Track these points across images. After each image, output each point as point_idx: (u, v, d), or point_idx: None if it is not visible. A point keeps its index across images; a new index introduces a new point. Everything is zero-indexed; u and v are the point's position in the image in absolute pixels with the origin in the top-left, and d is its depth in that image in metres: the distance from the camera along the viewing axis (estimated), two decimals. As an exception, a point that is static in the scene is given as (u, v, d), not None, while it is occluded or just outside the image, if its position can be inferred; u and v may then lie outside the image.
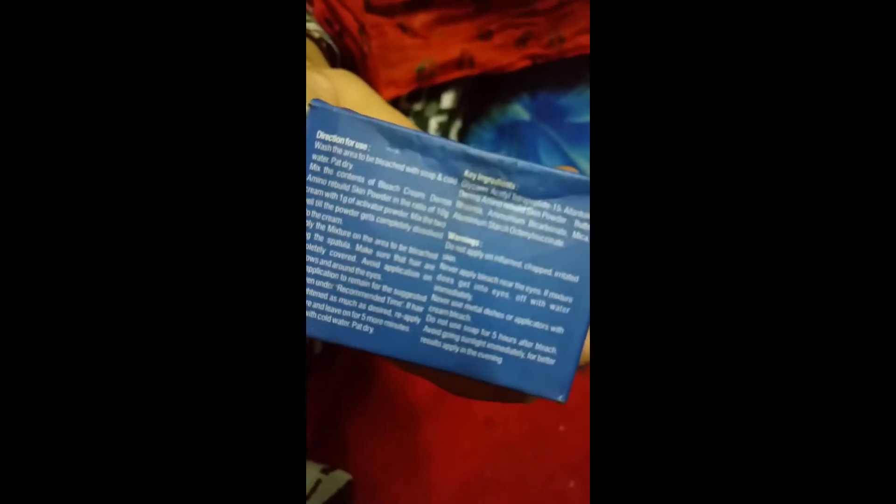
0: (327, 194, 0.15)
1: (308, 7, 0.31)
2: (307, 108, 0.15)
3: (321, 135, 0.15)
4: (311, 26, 0.27)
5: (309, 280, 0.15)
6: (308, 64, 0.25)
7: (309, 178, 0.15)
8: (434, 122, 0.38)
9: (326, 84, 0.22)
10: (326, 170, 0.15)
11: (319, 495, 0.40)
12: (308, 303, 0.15)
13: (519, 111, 0.41)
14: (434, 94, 0.38)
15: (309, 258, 0.15)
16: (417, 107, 0.39)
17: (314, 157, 0.15)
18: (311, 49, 0.26)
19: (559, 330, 0.15)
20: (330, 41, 0.28)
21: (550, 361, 0.15)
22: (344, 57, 0.31)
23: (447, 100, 0.38)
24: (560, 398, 0.15)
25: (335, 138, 0.15)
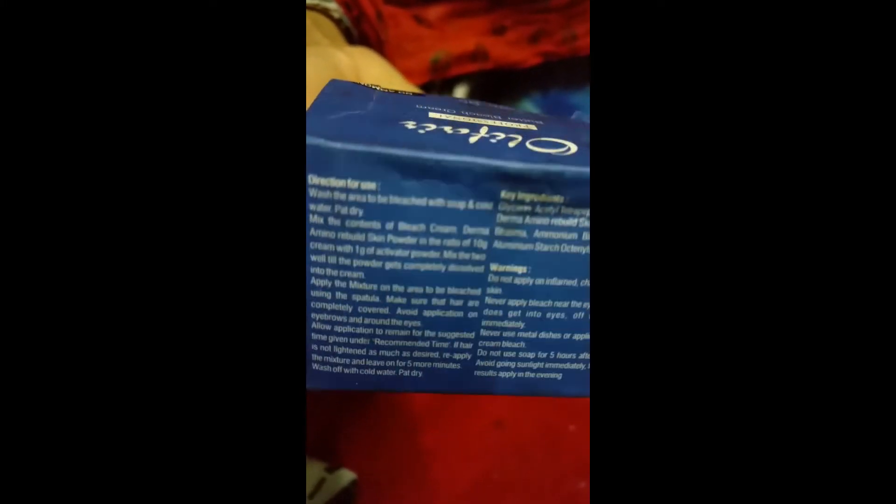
0: (340, 248, 0.12)
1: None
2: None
3: (314, 179, 0.12)
4: (332, 6, 0.27)
5: (341, 339, 0.13)
6: (328, 42, 0.25)
7: (311, 232, 0.12)
8: (448, 116, 0.38)
9: (348, 60, 0.22)
10: (332, 220, 0.12)
11: (323, 494, 0.38)
12: (345, 360, 0.13)
13: (529, 108, 0.42)
14: (446, 87, 0.38)
15: (337, 318, 0.13)
16: (430, 100, 0.39)
17: (311, 206, 0.12)
18: (331, 28, 0.27)
19: (582, 338, 0.14)
20: (349, 24, 0.28)
21: (583, 367, 0.15)
22: (363, 41, 0.32)
23: (459, 93, 0.38)
24: (587, 393, 0.15)
25: (332, 181, 0.12)
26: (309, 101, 0.14)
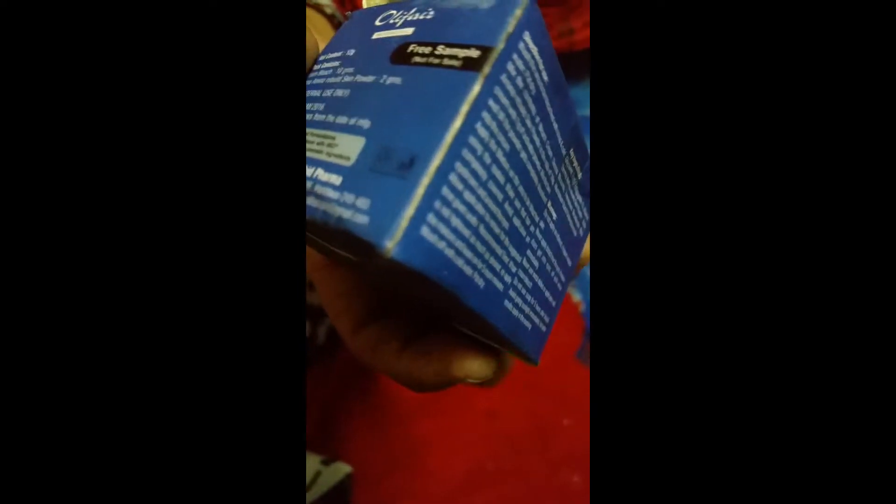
0: (510, 112, 0.12)
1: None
2: None
3: (527, 38, 0.12)
4: (324, 1, 0.27)
5: (461, 208, 0.11)
6: (321, 38, 0.25)
7: (497, 89, 0.11)
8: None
9: None
10: (519, 82, 0.12)
11: (319, 486, 0.39)
12: (448, 239, 0.11)
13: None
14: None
15: (462, 187, 0.11)
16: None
17: (514, 59, 0.11)
18: (324, 24, 0.26)
19: (554, 303, 0.16)
20: (342, 19, 0.28)
21: (544, 329, 0.16)
22: None
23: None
24: (537, 361, 0.16)
25: (535, 53, 0.12)
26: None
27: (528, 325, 0.15)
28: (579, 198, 0.16)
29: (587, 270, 0.42)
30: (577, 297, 0.44)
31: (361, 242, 0.11)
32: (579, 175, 0.15)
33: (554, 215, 0.14)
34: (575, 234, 0.16)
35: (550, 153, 0.13)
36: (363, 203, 0.11)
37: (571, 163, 0.15)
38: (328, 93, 0.14)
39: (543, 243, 0.14)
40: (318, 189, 0.12)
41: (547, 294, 0.15)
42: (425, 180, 0.10)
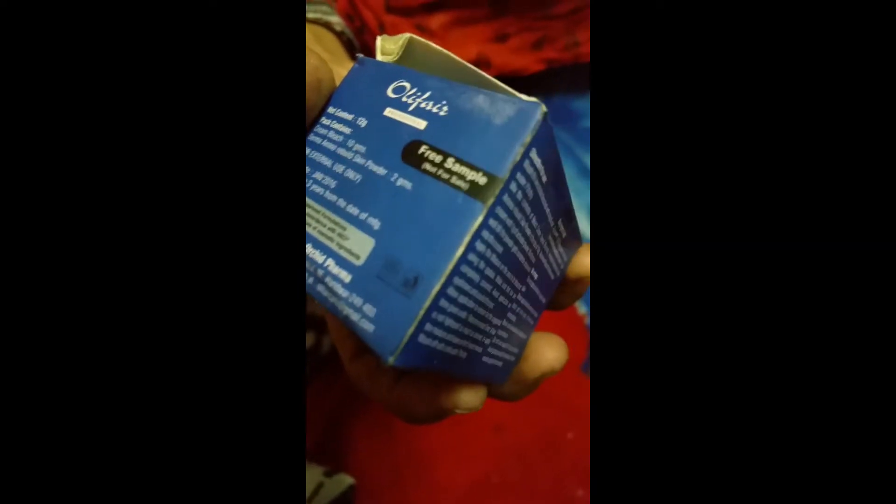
0: (507, 223, 0.12)
1: (331, 2, 0.31)
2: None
3: (533, 156, 0.12)
4: (334, 19, 0.27)
5: (453, 310, 0.13)
6: (330, 57, 0.26)
7: (499, 209, 0.12)
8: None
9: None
10: (518, 196, 0.12)
11: (321, 498, 0.39)
12: (444, 335, 0.12)
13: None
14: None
15: (454, 292, 0.12)
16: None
17: (517, 179, 0.12)
18: (333, 42, 0.27)
19: (526, 336, 0.17)
20: (351, 36, 0.28)
21: (513, 360, 0.17)
22: (363, 52, 0.32)
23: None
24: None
25: (538, 164, 0.13)
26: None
27: (500, 364, 0.16)
28: (561, 250, 0.16)
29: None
30: (583, 309, 0.43)
31: (365, 341, 0.12)
32: (564, 235, 0.16)
33: (535, 276, 0.15)
34: (552, 277, 0.17)
35: (539, 233, 0.14)
36: (369, 310, 0.12)
37: (558, 229, 0.15)
38: (339, 168, 0.14)
39: (524, 302, 0.15)
40: (329, 282, 0.13)
41: (522, 335, 0.16)
42: (427, 303, 0.12)
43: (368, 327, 0.12)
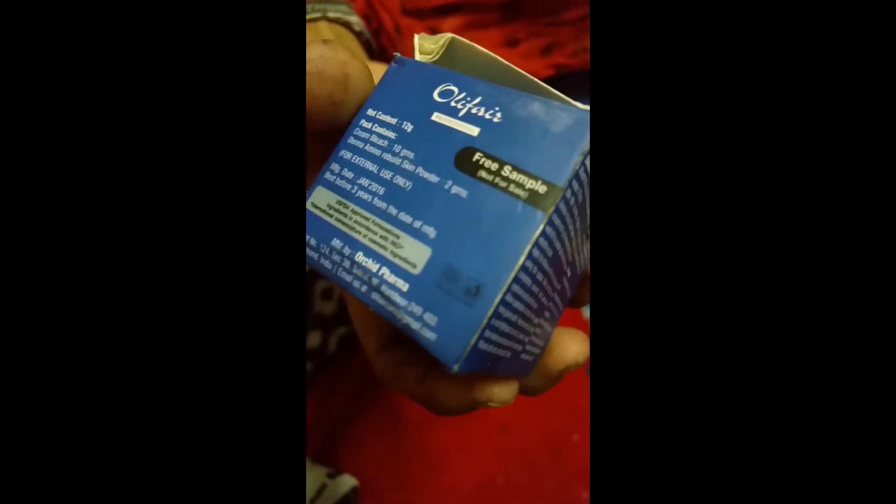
0: (559, 228, 0.13)
1: (350, 2, 0.31)
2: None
3: (587, 162, 0.13)
4: (353, 19, 0.28)
5: (511, 316, 0.13)
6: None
7: (555, 217, 0.12)
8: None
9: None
10: (571, 201, 0.13)
11: (324, 500, 0.39)
12: (497, 337, 0.13)
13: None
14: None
15: (512, 297, 0.13)
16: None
17: (573, 186, 0.12)
18: (353, 42, 0.27)
19: (551, 328, 0.17)
20: (369, 36, 0.28)
21: (539, 352, 0.17)
22: (379, 53, 0.32)
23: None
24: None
25: (588, 167, 0.13)
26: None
27: (531, 359, 0.16)
28: (588, 246, 0.16)
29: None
30: (588, 313, 0.44)
31: (427, 349, 0.12)
32: (589, 231, 0.16)
33: (569, 274, 0.15)
34: (579, 273, 0.17)
35: (578, 232, 0.14)
36: (430, 318, 0.12)
37: (589, 227, 0.15)
38: (387, 174, 0.14)
39: (557, 299, 0.16)
40: (385, 290, 0.13)
41: (550, 329, 0.17)
42: (490, 311, 0.12)
43: (430, 336, 0.12)
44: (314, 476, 0.40)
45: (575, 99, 0.14)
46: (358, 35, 0.28)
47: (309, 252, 0.14)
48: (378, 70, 0.25)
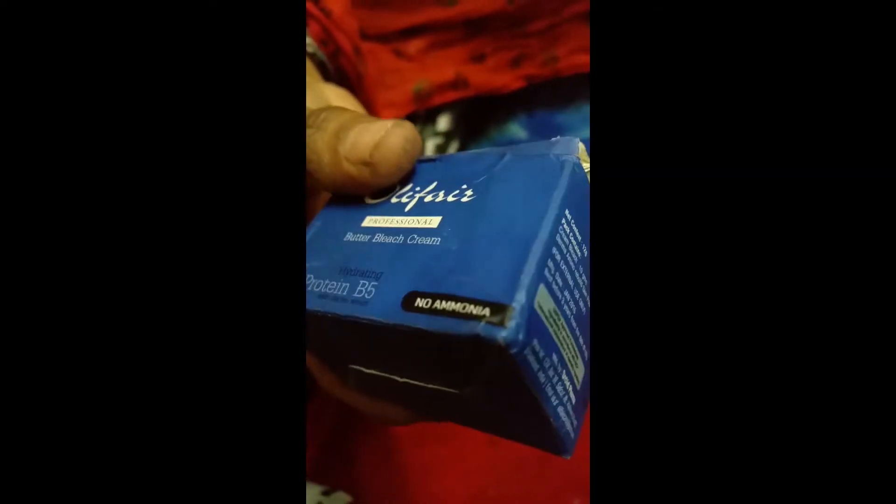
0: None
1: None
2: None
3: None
4: (307, 41, 0.28)
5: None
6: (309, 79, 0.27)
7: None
8: (431, 144, 0.39)
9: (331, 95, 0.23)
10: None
11: (321, 517, 0.39)
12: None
13: (517, 130, 0.42)
14: (430, 117, 0.39)
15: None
16: (415, 130, 0.40)
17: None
18: (307, 64, 0.28)
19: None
20: (324, 58, 0.29)
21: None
22: (340, 76, 0.33)
23: (443, 122, 0.39)
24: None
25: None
26: None
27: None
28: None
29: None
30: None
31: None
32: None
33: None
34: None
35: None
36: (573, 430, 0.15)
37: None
38: (576, 294, 0.15)
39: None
40: (569, 409, 0.15)
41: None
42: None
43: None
44: (309, 495, 0.40)
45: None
46: (311, 56, 0.28)
47: (530, 358, 0.12)
48: (332, 92, 0.26)
